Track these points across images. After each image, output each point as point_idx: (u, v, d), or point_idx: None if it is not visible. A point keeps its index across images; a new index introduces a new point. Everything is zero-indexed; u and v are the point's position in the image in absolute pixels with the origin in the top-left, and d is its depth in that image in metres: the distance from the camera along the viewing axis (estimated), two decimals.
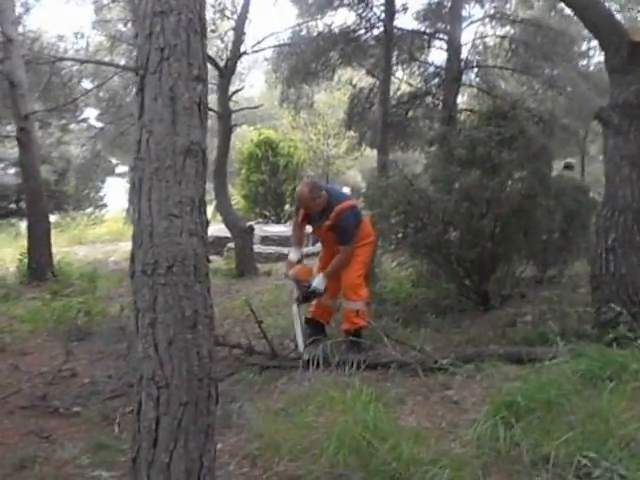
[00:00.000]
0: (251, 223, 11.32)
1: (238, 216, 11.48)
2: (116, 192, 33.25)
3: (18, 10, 13.23)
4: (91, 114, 23.81)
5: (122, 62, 15.14)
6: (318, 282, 5.07)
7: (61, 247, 15.79)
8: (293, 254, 5.34)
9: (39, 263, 10.04)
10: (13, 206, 21.73)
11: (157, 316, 2.18)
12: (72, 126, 19.91)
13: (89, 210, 27.81)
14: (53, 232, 17.59)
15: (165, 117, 2.20)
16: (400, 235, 5.94)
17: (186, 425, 2.18)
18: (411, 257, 6.12)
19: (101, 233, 20.49)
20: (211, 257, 9.10)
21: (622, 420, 2.92)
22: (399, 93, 14.31)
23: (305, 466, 2.87)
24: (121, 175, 33.45)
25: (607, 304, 4.63)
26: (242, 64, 22.74)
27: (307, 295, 5.12)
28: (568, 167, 9.73)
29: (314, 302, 5.35)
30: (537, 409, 3.13)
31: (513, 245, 5.90)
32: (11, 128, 14.15)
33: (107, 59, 14.65)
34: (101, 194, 32.40)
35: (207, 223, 2.34)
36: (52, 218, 20.76)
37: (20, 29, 12.87)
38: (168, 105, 2.20)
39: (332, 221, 5.04)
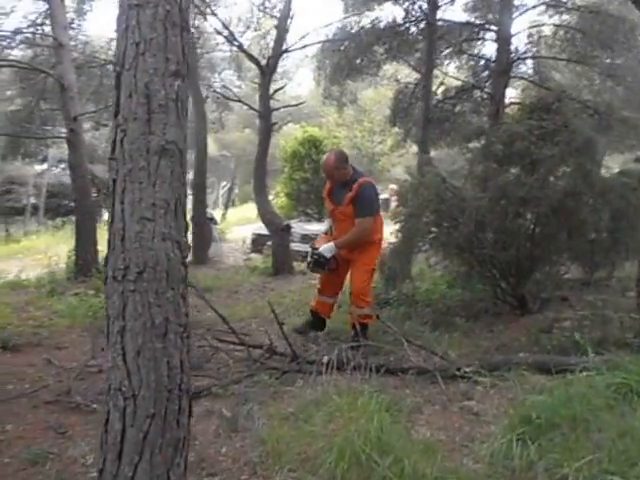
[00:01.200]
0: (288, 222, 11.24)
1: (276, 214, 11.42)
2: None
3: (71, 16, 13.55)
4: None
5: None
6: (324, 249, 5.12)
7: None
8: (324, 225, 5.63)
9: (85, 260, 10.19)
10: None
11: (126, 324, 2.10)
12: None
13: None
14: (103, 230, 18.39)
15: (140, 115, 2.10)
16: (432, 235, 5.66)
17: (152, 438, 2.09)
18: (443, 258, 5.83)
19: None
20: (251, 255, 9.25)
21: None
22: (446, 87, 13.92)
23: (304, 477, 2.75)
24: None
25: None
26: (289, 62, 22.87)
27: (314, 260, 5.18)
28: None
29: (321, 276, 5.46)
30: (561, 425, 2.93)
31: (553, 246, 5.57)
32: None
33: None
34: None
35: (186, 227, 2.25)
36: (106, 216, 21.63)
37: (72, 33, 13.16)
38: (143, 103, 2.11)
39: (354, 192, 5.02)
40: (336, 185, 5.24)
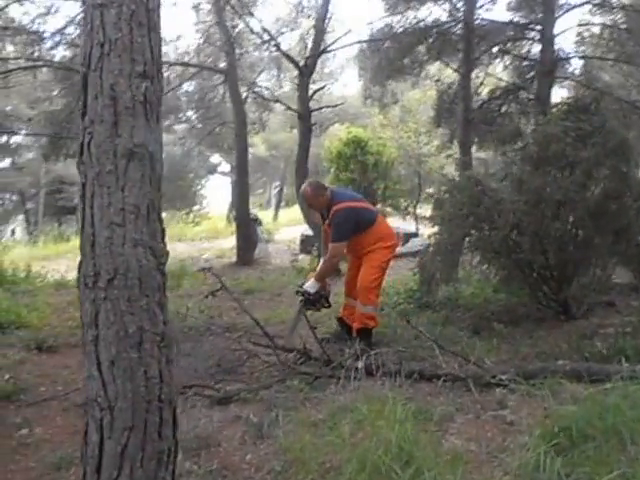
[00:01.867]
0: None
1: (318, 216, 11.42)
2: (220, 190, 34.30)
3: None
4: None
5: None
6: (308, 285, 5.24)
7: None
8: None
9: None
10: None
11: (99, 332, 2.06)
12: (175, 127, 20.68)
13: (195, 208, 28.93)
14: None
15: (106, 117, 2.06)
16: (469, 238, 5.60)
17: (132, 451, 2.04)
18: (480, 261, 5.76)
19: (200, 231, 21.44)
20: (299, 256, 9.26)
21: None
22: (492, 88, 13.72)
23: None
24: (224, 173, 34.35)
25: None
26: (335, 63, 22.85)
27: (303, 298, 5.28)
28: None
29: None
30: (595, 437, 2.82)
31: (596, 249, 5.42)
32: None
33: (194, 61, 15.09)
34: (202, 192, 33.57)
35: (163, 231, 2.20)
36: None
37: None
38: (109, 105, 2.06)
39: (330, 218, 5.23)
40: (318, 211, 5.53)
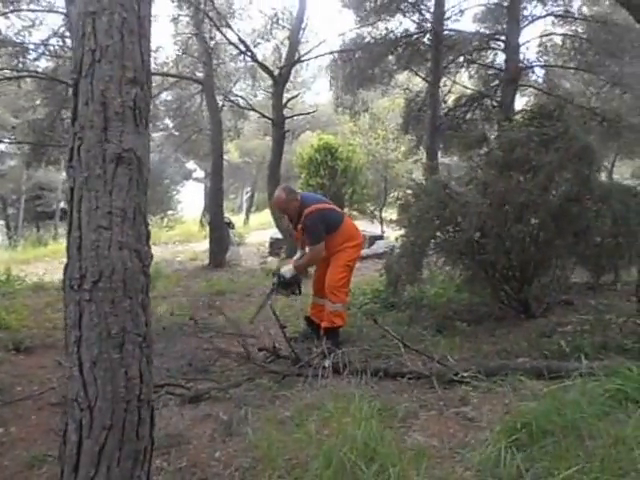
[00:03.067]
0: None
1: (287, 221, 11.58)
2: (194, 195, 34.37)
3: None
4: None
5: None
6: (284, 270, 5.48)
7: None
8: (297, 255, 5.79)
9: None
10: None
11: (82, 334, 2.07)
12: (153, 135, 20.71)
13: (170, 212, 29.13)
14: None
15: (96, 123, 2.08)
16: (435, 240, 5.70)
17: (110, 450, 2.06)
18: (445, 262, 5.87)
19: (174, 234, 21.69)
20: (268, 259, 9.37)
21: None
22: (458, 96, 14.03)
23: None
24: (198, 180, 34.46)
25: None
26: (307, 72, 23.15)
27: (276, 281, 5.46)
28: None
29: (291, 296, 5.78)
30: (554, 432, 2.88)
31: (556, 250, 5.58)
32: None
33: (173, 71, 15.30)
34: (177, 197, 33.66)
35: (148, 234, 2.21)
36: None
37: None
38: (99, 110, 2.08)
39: (302, 224, 5.37)
40: (290, 217, 5.60)
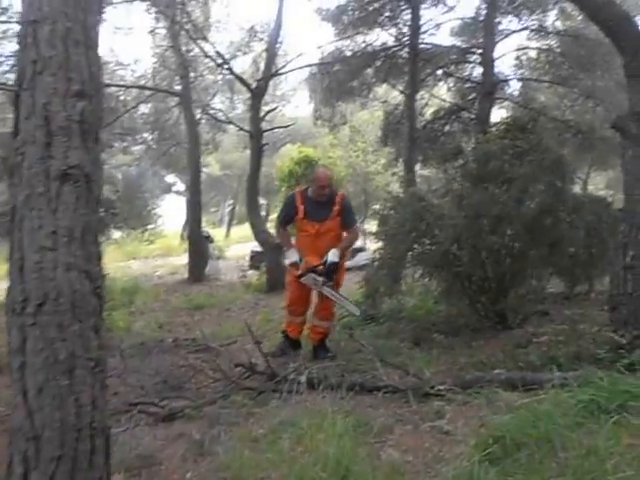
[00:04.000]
0: None
1: (269, 232, 11.59)
2: (174, 209, 34.30)
3: None
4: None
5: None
6: (333, 255, 5.17)
7: (117, 262, 16.71)
8: (293, 256, 5.41)
9: None
10: None
11: (26, 359, 1.97)
12: (132, 148, 20.66)
13: (150, 227, 29.02)
14: (111, 248, 18.97)
15: (38, 138, 1.99)
16: (412, 253, 5.72)
17: None
18: (422, 275, 5.89)
19: (154, 249, 21.70)
20: (247, 272, 9.41)
21: (621, 461, 2.64)
22: (436, 109, 14.20)
23: None
24: (179, 193, 34.41)
25: (624, 326, 4.32)
26: (287, 85, 23.28)
27: (329, 271, 5.18)
28: None
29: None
30: (528, 444, 2.89)
31: (531, 261, 5.62)
32: None
33: (150, 83, 15.29)
34: (157, 211, 33.54)
35: (99, 254, 2.13)
36: (116, 235, 22.18)
37: None
38: (41, 125, 1.99)
39: (339, 205, 5.32)
40: (313, 203, 5.36)
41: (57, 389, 1.96)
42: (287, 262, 5.50)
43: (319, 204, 5.33)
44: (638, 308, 4.32)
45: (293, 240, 5.66)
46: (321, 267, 5.17)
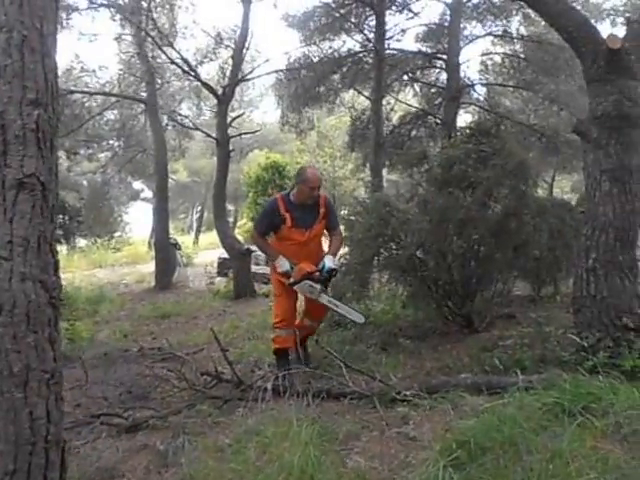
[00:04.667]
0: (248, 246, 11.32)
1: (236, 239, 11.54)
2: (142, 216, 34.05)
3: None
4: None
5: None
6: (330, 261, 4.91)
7: (82, 271, 16.44)
8: (284, 264, 4.96)
9: None
10: None
11: None
12: (99, 155, 20.41)
13: (116, 234, 28.78)
14: (76, 256, 18.68)
15: None
16: (378, 258, 5.71)
17: None
18: (389, 280, 5.89)
19: (121, 257, 21.48)
20: (215, 279, 9.33)
21: (585, 464, 2.65)
22: (403, 114, 14.30)
23: None
24: (146, 200, 34.13)
25: (588, 328, 4.35)
26: (255, 91, 23.29)
27: (327, 277, 4.89)
28: None
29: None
30: (493, 449, 2.88)
31: (496, 265, 5.65)
32: None
33: (116, 90, 15.12)
34: (124, 219, 33.22)
35: (56, 264, 2.10)
36: (81, 243, 21.84)
37: None
38: None
39: (324, 207, 5.02)
40: (299, 209, 4.97)
41: (11, 402, 1.94)
42: (278, 271, 5.01)
43: (304, 208, 4.95)
44: (601, 310, 4.34)
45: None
46: (317, 274, 4.85)
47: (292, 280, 4.90)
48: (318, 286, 4.86)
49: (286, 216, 4.94)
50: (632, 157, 4.45)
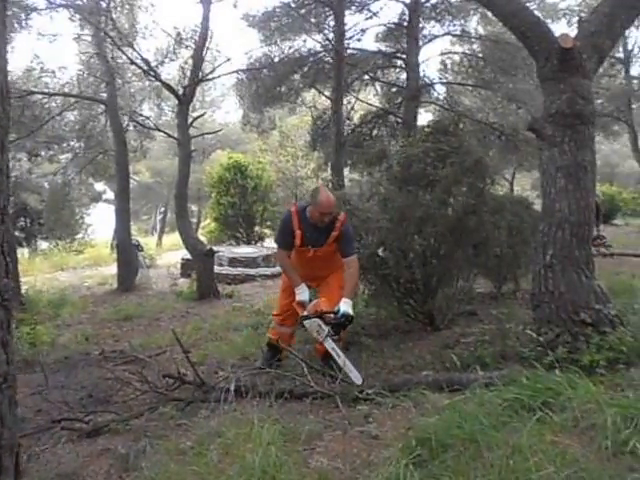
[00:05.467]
0: (211, 247, 11.25)
1: (198, 240, 11.43)
2: (105, 217, 33.43)
3: None
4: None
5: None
6: (347, 306, 4.53)
7: (44, 273, 16.10)
8: (303, 294, 4.78)
9: None
10: None
11: None
12: (60, 156, 19.98)
13: (78, 236, 28.31)
14: (38, 259, 18.25)
15: None
16: None
17: None
18: None
19: (83, 259, 21.16)
20: (178, 280, 9.23)
21: (544, 459, 2.68)
22: (364, 113, 14.37)
23: None
24: (109, 201, 33.57)
25: (547, 324, 4.42)
26: (216, 91, 23.12)
27: (340, 322, 4.56)
28: None
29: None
30: (454, 445, 2.91)
31: (457, 262, 5.70)
32: None
33: (76, 91, 14.88)
34: (86, 220, 32.63)
35: (7, 266, 2.05)
36: (43, 245, 21.35)
37: None
38: None
39: (338, 231, 4.71)
40: (310, 228, 4.77)
41: None
42: (296, 299, 4.78)
43: (317, 228, 4.74)
44: (559, 306, 4.41)
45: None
46: (332, 316, 4.55)
47: (305, 314, 4.68)
48: (326, 328, 4.55)
49: (297, 233, 4.79)
50: (586, 154, 4.54)
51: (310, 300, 4.75)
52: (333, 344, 4.54)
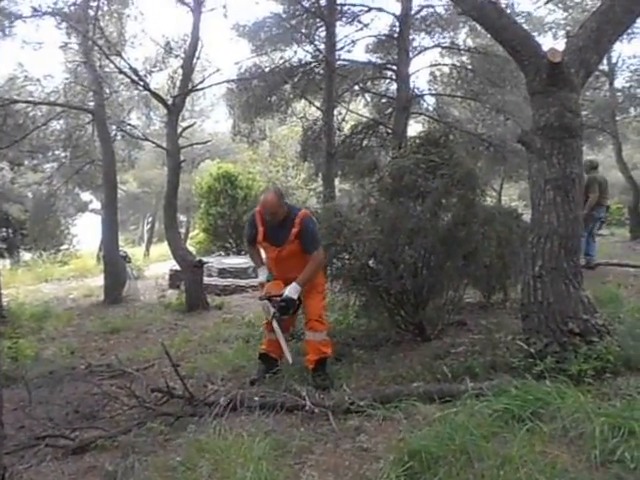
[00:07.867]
0: (200, 258, 11.19)
1: (187, 251, 11.36)
2: (91, 228, 33.16)
3: None
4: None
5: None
6: (290, 292, 4.79)
7: (27, 285, 15.90)
8: (261, 274, 5.19)
9: None
10: None
11: None
12: (45, 166, 19.84)
13: (63, 247, 28.03)
14: (20, 271, 18.03)
15: None
16: (329, 268, 5.71)
17: None
18: (341, 289, 5.90)
19: (68, 270, 20.85)
20: (167, 292, 9.14)
21: (534, 469, 2.71)
22: (354, 124, 14.44)
23: None
24: (95, 211, 33.33)
25: (536, 334, 4.45)
26: (206, 101, 23.12)
27: (282, 307, 4.83)
28: None
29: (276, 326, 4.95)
30: (446, 457, 2.92)
31: (447, 273, 5.72)
32: None
33: (62, 99, 14.77)
34: (72, 231, 32.38)
35: None
36: (26, 256, 21.15)
37: None
38: None
39: (298, 227, 4.84)
40: (272, 226, 4.95)
41: None
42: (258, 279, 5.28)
43: (276, 225, 4.92)
44: (548, 316, 4.44)
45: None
46: (278, 298, 4.84)
47: (260, 295, 5.06)
48: (272, 310, 4.88)
49: (260, 230, 5.03)
50: (574, 167, 4.58)
51: (268, 280, 5.08)
52: (277, 325, 4.89)
